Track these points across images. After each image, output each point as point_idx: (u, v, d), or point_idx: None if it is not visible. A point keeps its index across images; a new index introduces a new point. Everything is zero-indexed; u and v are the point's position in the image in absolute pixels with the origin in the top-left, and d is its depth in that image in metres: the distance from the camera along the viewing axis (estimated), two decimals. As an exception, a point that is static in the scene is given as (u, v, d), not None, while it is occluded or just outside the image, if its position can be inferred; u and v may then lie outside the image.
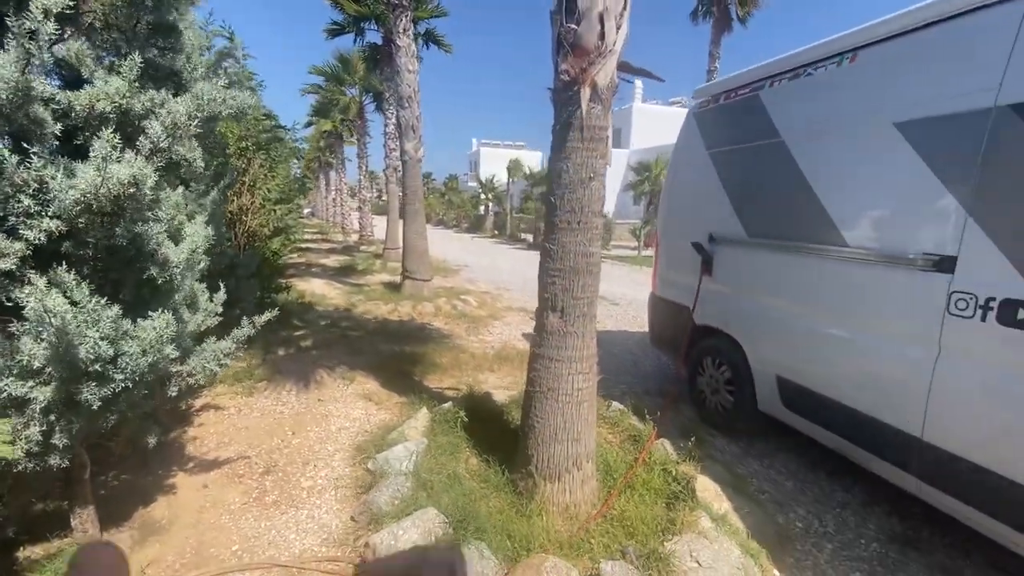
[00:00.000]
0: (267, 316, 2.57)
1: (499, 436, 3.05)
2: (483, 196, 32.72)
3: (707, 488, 2.60)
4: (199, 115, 2.04)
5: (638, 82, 26.30)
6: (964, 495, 2.16)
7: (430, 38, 12.54)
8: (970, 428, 2.12)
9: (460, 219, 36.43)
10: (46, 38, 1.57)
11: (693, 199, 4.01)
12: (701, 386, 3.87)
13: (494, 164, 40.33)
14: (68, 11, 1.63)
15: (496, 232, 29.31)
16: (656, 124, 29.46)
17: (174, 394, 2.31)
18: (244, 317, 2.52)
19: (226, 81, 2.57)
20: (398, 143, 10.15)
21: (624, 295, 9.34)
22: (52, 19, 1.56)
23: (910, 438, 2.31)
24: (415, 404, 3.75)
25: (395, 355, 5.20)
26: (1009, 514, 2.00)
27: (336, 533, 2.46)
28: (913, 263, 2.31)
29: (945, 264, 2.19)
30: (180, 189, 2.29)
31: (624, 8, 2.21)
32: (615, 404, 3.60)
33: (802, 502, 2.85)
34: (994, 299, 2.01)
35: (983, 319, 2.04)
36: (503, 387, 4.17)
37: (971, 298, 2.09)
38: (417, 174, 8.27)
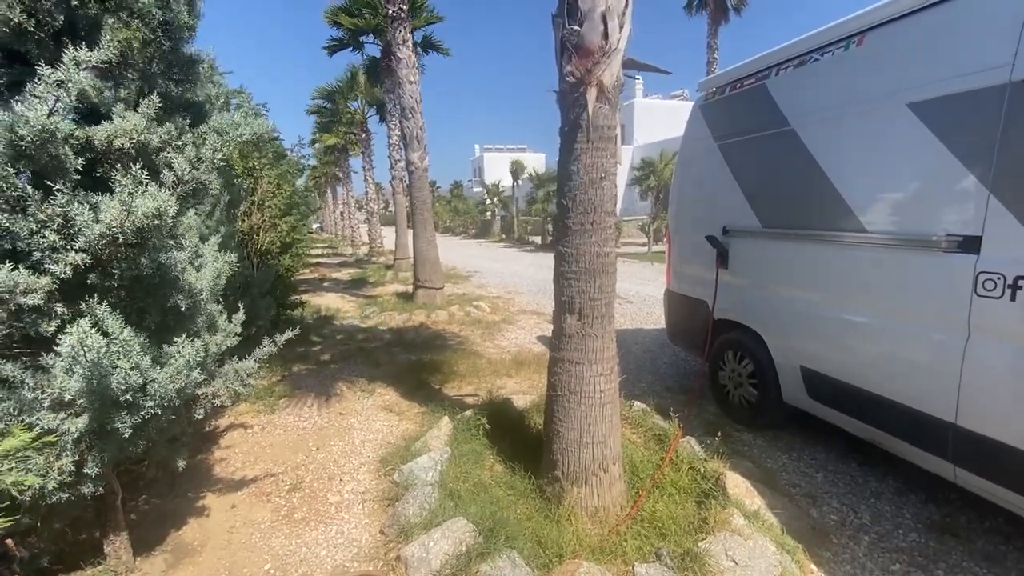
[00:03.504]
0: (288, 335, 2.59)
1: (522, 442, 3.04)
2: (489, 201, 32.81)
3: (737, 485, 2.57)
4: (225, 148, 2.07)
5: (638, 78, 26.18)
6: (1002, 478, 2.10)
7: (428, 44, 12.63)
8: (1005, 410, 2.06)
9: (467, 225, 36.55)
10: (74, 88, 1.60)
11: (704, 192, 3.97)
12: (723, 381, 3.82)
13: (497, 168, 40.49)
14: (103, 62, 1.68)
15: (503, 236, 29.35)
16: (659, 119, 29.31)
17: (200, 416, 2.34)
18: (264, 336, 2.55)
19: (244, 111, 2.62)
20: (403, 154, 10.23)
21: (637, 292, 9.29)
22: (83, 69, 1.60)
23: (944, 424, 2.26)
24: (436, 413, 3.75)
25: (413, 365, 5.21)
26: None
27: (366, 547, 2.46)
28: (936, 245, 2.26)
29: (970, 244, 2.14)
30: (191, 212, 2.32)
31: (626, 6, 2.20)
32: (637, 404, 3.57)
33: (834, 494, 2.80)
34: (1023, 277, 1.96)
35: (1012, 299, 1.99)
36: (522, 392, 4.16)
37: (999, 278, 2.03)
38: (424, 183, 8.31)
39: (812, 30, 3.04)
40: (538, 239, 24.10)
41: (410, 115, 8.11)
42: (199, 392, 2.21)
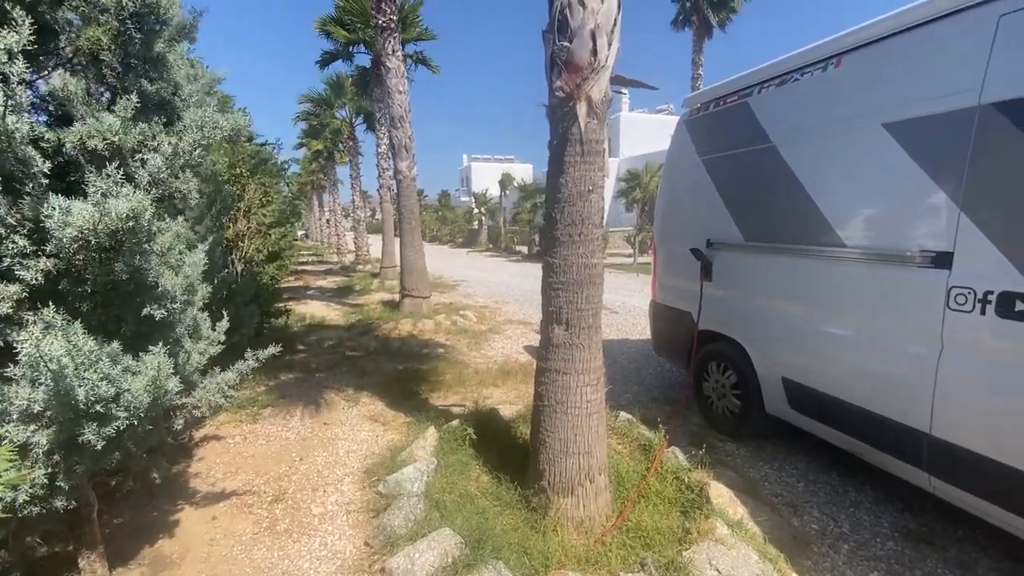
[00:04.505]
0: (270, 351, 2.53)
1: (508, 452, 3.04)
2: (476, 210, 32.89)
3: (721, 494, 2.60)
4: (203, 143, 2.05)
5: (624, 92, 26.65)
6: (976, 488, 2.16)
7: (419, 60, 12.77)
8: (977, 421, 2.13)
9: (454, 234, 36.58)
10: (16, 80, 1.53)
11: (689, 206, 4.05)
12: (707, 392, 3.87)
13: (485, 178, 40.64)
14: (32, 47, 1.57)
15: (491, 246, 29.40)
16: (644, 132, 29.81)
17: (179, 427, 2.29)
18: (248, 345, 2.52)
19: (217, 106, 2.58)
20: (391, 162, 10.24)
21: (623, 303, 9.37)
22: (20, 58, 1.52)
23: (919, 434, 2.32)
24: (422, 423, 3.73)
25: (399, 374, 5.18)
26: (1021, 504, 2.00)
27: (351, 559, 2.43)
28: (911, 260, 2.34)
29: (942, 260, 2.22)
30: (180, 219, 2.29)
31: (615, 25, 2.26)
32: (623, 414, 3.59)
33: (815, 503, 2.85)
34: (992, 292, 2.04)
35: (982, 312, 2.06)
36: (508, 401, 4.16)
37: (969, 292, 2.11)
38: (412, 192, 8.32)
39: (793, 50, 3.15)
40: (525, 249, 24.19)
41: (399, 124, 8.14)
42: (178, 402, 2.17)
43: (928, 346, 2.28)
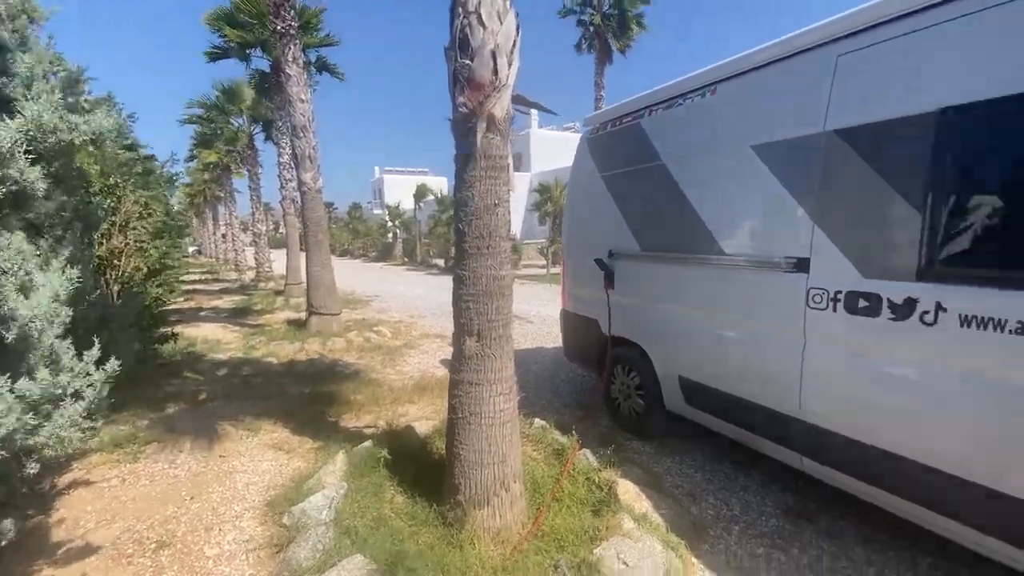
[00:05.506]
0: (112, 365, 2.21)
1: (424, 469, 2.98)
2: (390, 223, 32.14)
3: (627, 491, 2.74)
4: (45, 141, 1.81)
5: (528, 112, 27.66)
6: (836, 463, 2.48)
7: (323, 66, 12.28)
8: (835, 404, 2.45)
9: (367, 248, 35.40)
10: None
11: (592, 219, 4.28)
12: (615, 394, 4.08)
13: (398, 191, 39.89)
14: None
15: (406, 259, 28.84)
16: (554, 148, 31.11)
17: (34, 471, 1.98)
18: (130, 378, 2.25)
19: (76, 102, 2.29)
20: (295, 173, 9.71)
21: (538, 313, 9.61)
22: None
23: (791, 419, 2.63)
24: (332, 448, 3.54)
25: (306, 397, 4.88)
26: (873, 475, 2.32)
27: (250, 602, 2.24)
28: (778, 266, 2.66)
29: (802, 265, 2.55)
30: (21, 235, 2.00)
31: (514, 46, 2.35)
32: (537, 421, 3.68)
33: (711, 491, 3.10)
34: (840, 292, 2.37)
35: (834, 310, 2.40)
36: (425, 417, 4.09)
37: (824, 292, 2.44)
38: (318, 204, 7.95)
39: (679, 76, 3.46)
40: (441, 262, 24.02)
41: (302, 134, 7.76)
42: (30, 442, 1.88)
43: (794, 340, 2.59)
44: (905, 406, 2.16)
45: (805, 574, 2.37)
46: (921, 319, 2.05)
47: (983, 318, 1.86)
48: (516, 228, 28.45)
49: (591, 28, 19.55)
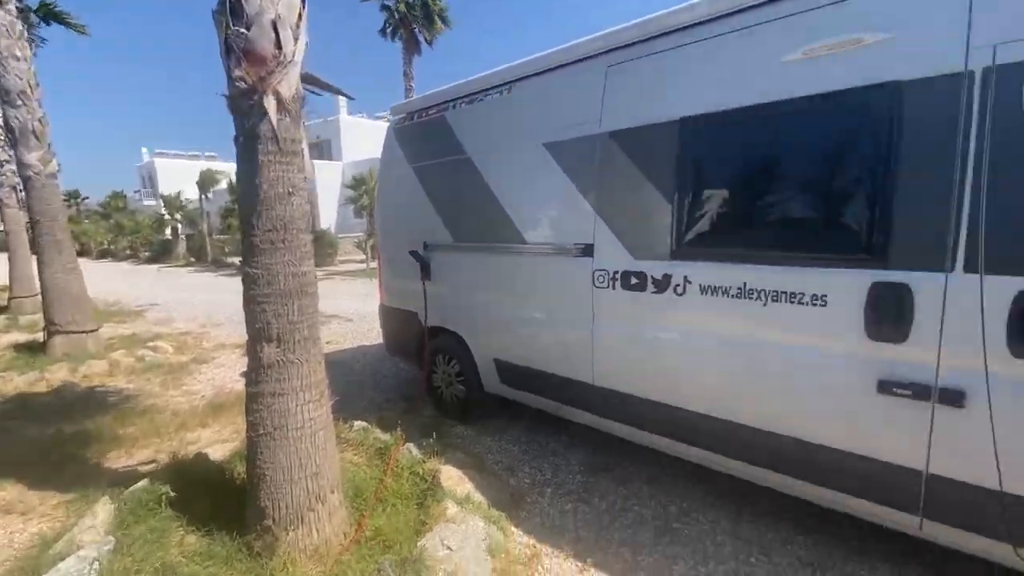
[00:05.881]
0: None
1: (223, 499, 2.58)
2: (168, 216, 26.95)
3: (450, 476, 2.80)
4: None
5: (321, 95, 25.92)
6: (623, 418, 2.92)
7: (51, 15, 9.58)
8: (618, 367, 2.88)
9: (137, 247, 28.99)
10: None
11: (405, 211, 4.22)
12: (437, 383, 4.13)
13: (177, 178, 33.53)
14: None
15: (192, 259, 24.49)
16: (366, 136, 29.59)
17: None
18: None
19: None
20: (12, 153, 7.40)
21: (357, 310, 9.15)
22: None
23: (587, 386, 3.00)
24: (90, 497, 2.83)
25: (49, 440, 3.81)
26: (652, 424, 2.78)
27: None
28: (569, 252, 2.99)
29: (588, 250, 2.91)
30: None
31: (300, 19, 2.14)
32: (358, 423, 3.50)
33: (526, 461, 3.37)
34: (618, 272, 2.77)
35: (613, 288, 2.80)
36: (222, 440, 3.57)
37: (605, 273, 2.83)
38: (53, 193, 6.21)
39: (485, 71, 3.59)
40: (238, 260, 21.03)
41: (21, 101, 5.95)
42: None
43: (585, 316, 2.95)
44: (670, 363, 2.64)
45: (604, 518, 2.74)
46: (675, 291, 2.53)
47: (715, 286, 2.38)
48: (331, 221, 26.50)
49: (396, 15, 19.15)
